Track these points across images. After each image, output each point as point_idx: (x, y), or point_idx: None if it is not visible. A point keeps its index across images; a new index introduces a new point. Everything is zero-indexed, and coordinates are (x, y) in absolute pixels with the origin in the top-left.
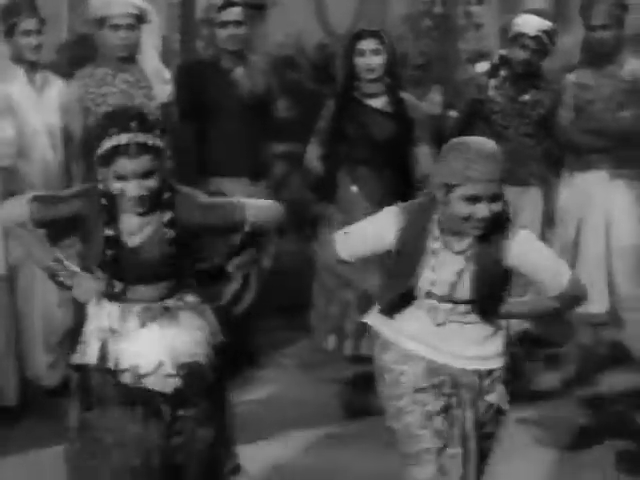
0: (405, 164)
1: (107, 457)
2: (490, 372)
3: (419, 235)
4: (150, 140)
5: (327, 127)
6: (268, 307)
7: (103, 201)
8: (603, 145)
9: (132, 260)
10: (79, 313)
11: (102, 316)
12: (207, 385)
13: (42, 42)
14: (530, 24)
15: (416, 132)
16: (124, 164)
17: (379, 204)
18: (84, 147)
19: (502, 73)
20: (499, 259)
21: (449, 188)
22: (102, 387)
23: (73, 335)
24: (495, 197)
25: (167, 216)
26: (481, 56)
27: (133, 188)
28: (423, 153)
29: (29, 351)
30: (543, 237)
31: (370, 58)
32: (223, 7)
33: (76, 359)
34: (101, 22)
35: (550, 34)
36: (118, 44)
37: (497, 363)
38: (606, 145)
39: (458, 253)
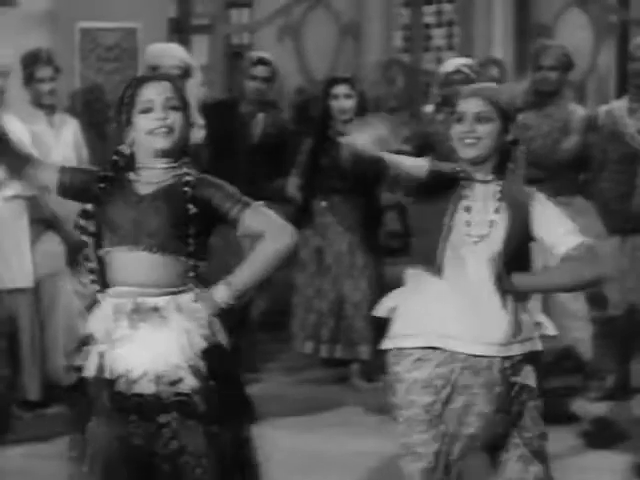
0: (373, 192)
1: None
2: (510, 357)
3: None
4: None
5: (305, 161)
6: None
7: (120, 161)
8: (542, 176)
9: (142, 213)
10: None
11: (100, 318)
12: (193, 388)
13: (56, 88)
14: (450, 64)
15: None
16: (149, 89)
17: (350, 228)
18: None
19: (446, 110)
20: (526, 203)
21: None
22: (97, 397)
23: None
24: (482, 118)
25: (187, 176)
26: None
27: (158, 112)
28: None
29: (51, 356)
30: None
31: (343, 101)
32: (255, 64)
33: (80, 373)
34: (153, 70)
35: (471, 67)
36: None
37: (520, 349)
38: (544, 175)
39: (485, 182)
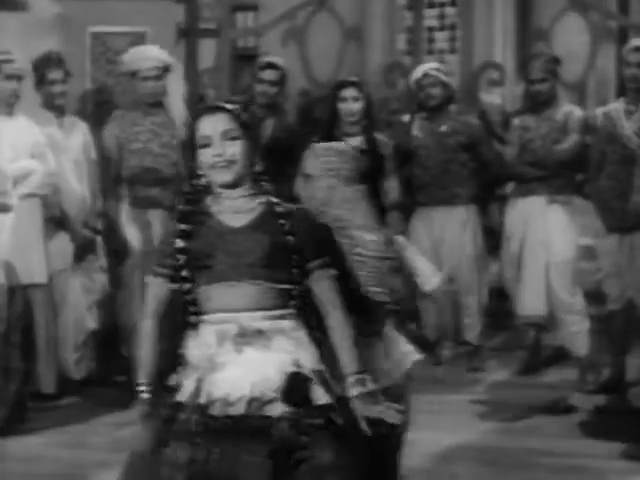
0: (377, 193)
1: None
2: None
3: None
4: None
5: None
6: None
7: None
8: (541, 175)
9: (241, 246)
10: (105, 315)
11: (201, 345)
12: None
13: (66, 90)
14: (418, 70)
15: (386, 166)
16: (205, 124)
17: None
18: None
19: (419, 115)
20: None
21: None
22: (187, 422)
23: (97, 335)
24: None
25: (277, 206)
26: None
27: (216, 148)
28: (392, 184)
29: (61, 349)
30: (486, 251)
31: (351, 104)
32: (263, 68)
33: (174, 397)
34: (133, 74)
35: (437, 69)
36: (147, 92)
37: None
38: (544, 175)
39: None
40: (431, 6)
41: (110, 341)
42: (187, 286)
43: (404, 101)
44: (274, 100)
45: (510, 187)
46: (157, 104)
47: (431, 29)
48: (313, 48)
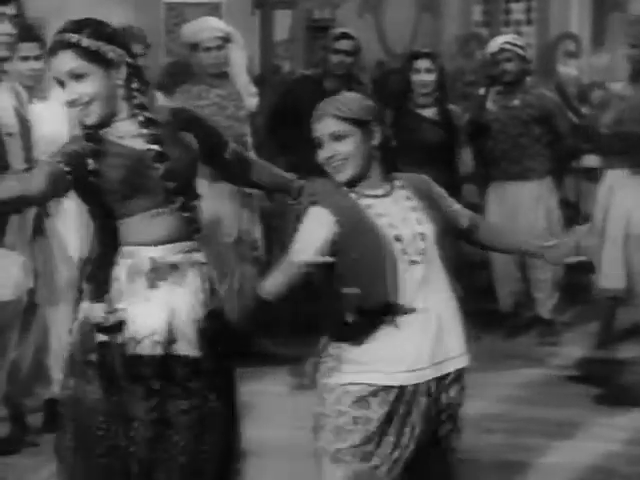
0: (451, 164)
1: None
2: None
3: (353, 206)
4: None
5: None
6: None
7: None
8: (626, 147)
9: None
10: None
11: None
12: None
13: (146, 64)
14: (494, 44)
15: (460, 137)
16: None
17: None
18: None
19: (494, 89)
20: (429, 191)
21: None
22: (113, 363)
23: None
24: (337, 137)
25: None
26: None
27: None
28: (466, 155)
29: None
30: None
31: (424, 75)
32: (338, 38)
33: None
34: (194, 47)
35: (513, 44)
36: (210, 63)
37: (463, 362)
38: (628, 148)
39: (381, 197)
40: None
41: None
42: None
43: (480, 73)
44: (350, 70)
45: (593, 159)
46: (221, 75)
47: (507, 0)
48: (389, 19)
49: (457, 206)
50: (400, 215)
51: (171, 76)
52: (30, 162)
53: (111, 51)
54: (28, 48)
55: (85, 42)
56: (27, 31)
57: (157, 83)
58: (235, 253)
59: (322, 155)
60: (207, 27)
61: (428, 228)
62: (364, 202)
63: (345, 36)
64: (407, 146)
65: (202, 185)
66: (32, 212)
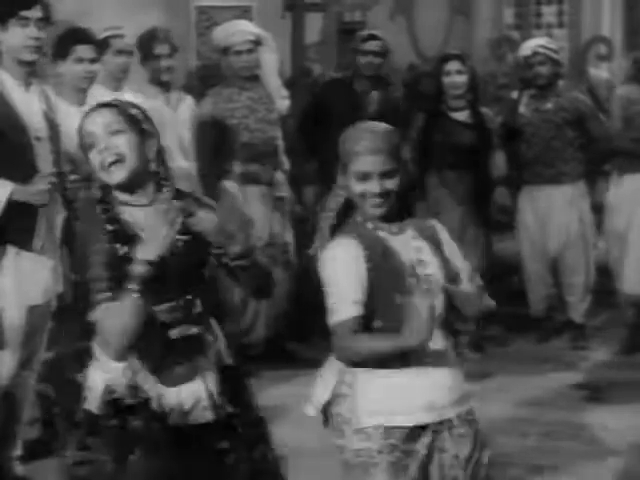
0: (484, 167)
1: None
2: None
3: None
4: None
5: (417, 136)
6: None
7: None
8: None
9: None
10: None
11: None
12: None
13: (173, 65)
14: (527, 47)
15: (493, 140)
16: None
17: (463, 202)
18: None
19: (527, 92)
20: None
21: (345, 168)
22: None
23: None
24: (387, 173)
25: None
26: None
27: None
28: (499, 158)
29: None
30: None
31: (455, 77)
32: (366, 39)
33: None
34: (225, 50)
35: (547, 47)
36: (241, 66)
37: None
38: None
39: (394, 234)
40: None
41: None
42: None
43: (513, 76)
44: (378, 72)
45: (615, 163)
46: (252, 78)
47: (539, 3)
48: (420, 22)
49: (460, 262)
50: (410, 254)
51: (202, 79)
52: (59, 166)
53: (146, 123)
54: (83, 50)
55: (124, 105)
56: (82, 33)
57: (187, 86)
58: (266, 256)
59: (367, 189)
60: (238, 30)
61: (433, 269)
62: (381, 234)
63: (373, 37)
64: (440, 149)
65: (233, 188)
66: (61, 216)
